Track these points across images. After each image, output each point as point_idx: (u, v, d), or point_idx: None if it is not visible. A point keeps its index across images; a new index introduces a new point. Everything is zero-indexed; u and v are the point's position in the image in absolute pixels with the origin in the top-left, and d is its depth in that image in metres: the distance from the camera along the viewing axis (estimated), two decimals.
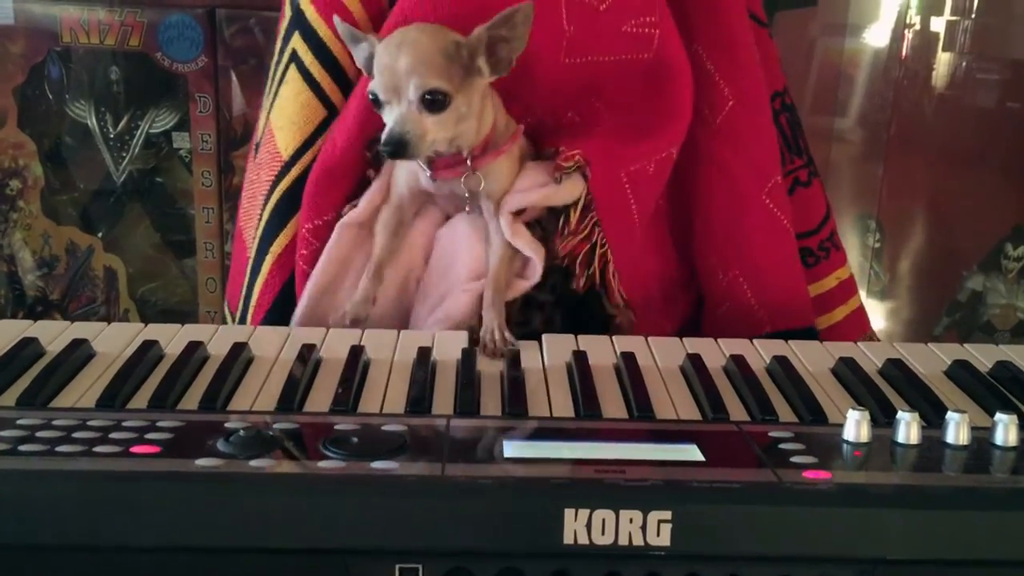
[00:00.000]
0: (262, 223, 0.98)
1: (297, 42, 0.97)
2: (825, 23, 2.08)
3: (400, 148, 0.82)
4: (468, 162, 0.88)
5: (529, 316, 0.96)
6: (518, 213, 0.91)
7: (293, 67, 0.97)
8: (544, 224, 0.94)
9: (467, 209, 0.93)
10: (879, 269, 2.19)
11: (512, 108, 0.93)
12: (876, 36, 2.11)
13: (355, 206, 0.95)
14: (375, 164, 0.96)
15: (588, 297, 0.97)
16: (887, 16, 2.09)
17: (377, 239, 0.93)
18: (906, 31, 2.09)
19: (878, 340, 1.19)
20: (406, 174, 0.93)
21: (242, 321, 1.01)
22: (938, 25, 2.09)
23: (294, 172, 0.97)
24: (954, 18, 2.08)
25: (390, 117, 0.83)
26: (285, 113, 0.97)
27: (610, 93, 0.97)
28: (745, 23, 1.03)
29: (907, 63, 2.12)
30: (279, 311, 0.97)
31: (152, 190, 1.88)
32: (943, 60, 2.11)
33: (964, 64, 2.11)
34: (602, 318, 0.97)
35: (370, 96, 0.85)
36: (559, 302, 0.97)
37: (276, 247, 0.97)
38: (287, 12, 0.99)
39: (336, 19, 0.89)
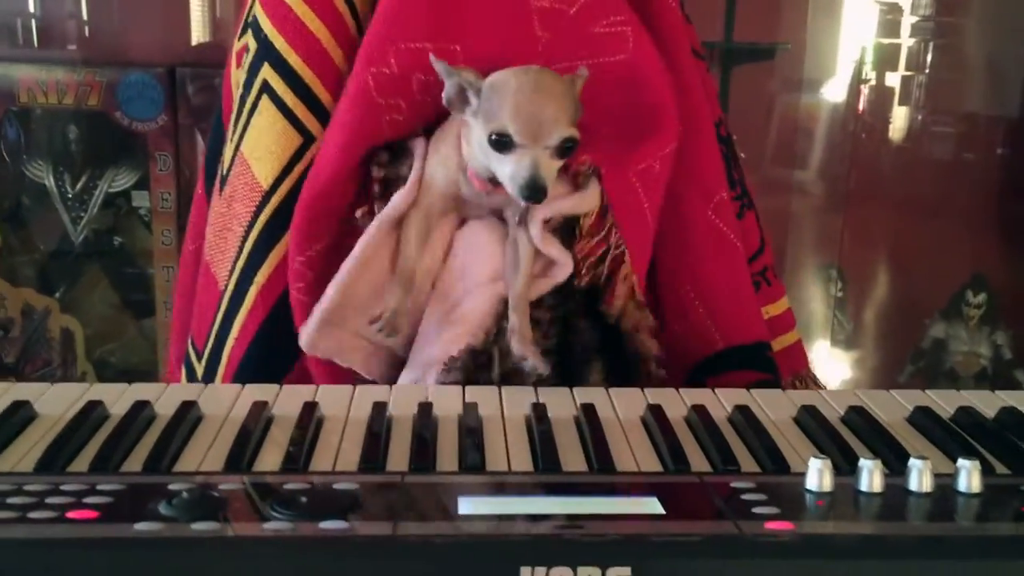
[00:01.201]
0: (244, 254, 0.98)
1: (268, 72, 0.97)
2: (781, 78, 2.12)
3: (540, 194, 0.84)
4: None
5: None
6: (545, 222, 0.93)
7: (266, 97, 0.97)
8: (561, 232, 0.95)
9: (512, 218, 0.93)
10: (842, 318, 2.21)
11: None
12: (832, 91, 2.15)
13: (353, 228, 0.95)
14: (363, 197, 0.96)
15: (587, 313, 0.98)
16: (843, 71, 2.14)
17: (407, 245, 0.93)
18: (862, 86, 2.13)
19: (814, 381, 1.18)
20: (444, 179, 0.93)
21: (212, 356, 1.00)
22: (893, 80, 2.14)
23: (274, 201, 0.97)
24: (908, 73, 2.13)
25: (521, 162, 0.84)
26: (262, 143, 0.97)
27: (597, 104, 0.97)
28: (684, 44, 1.05)
29: (864, 117, 2.16)
30: (264, 341, 0.96)
31: (111, 250, 1.87)
32: (899, 114, 2.16)
33: (920, 117, 2.15)
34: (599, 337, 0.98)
35: (497, 137, 0.85)
36: (554, 320, 0.97)
37: (260, 277, 0.97)
38: (251, 45, 0.99)
39: (432, 57, 0.88)
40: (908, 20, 2.12)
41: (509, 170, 0.85)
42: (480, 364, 0.92)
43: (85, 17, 1.92)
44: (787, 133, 2.14)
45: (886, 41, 2.13)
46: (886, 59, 2.13)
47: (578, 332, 0.97)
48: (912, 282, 2.19)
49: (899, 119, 2.16)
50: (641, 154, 0.96)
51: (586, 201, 0.94)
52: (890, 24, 2.13)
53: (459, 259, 0.95)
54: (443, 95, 0.89)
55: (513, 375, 0.92)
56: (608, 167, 0.94)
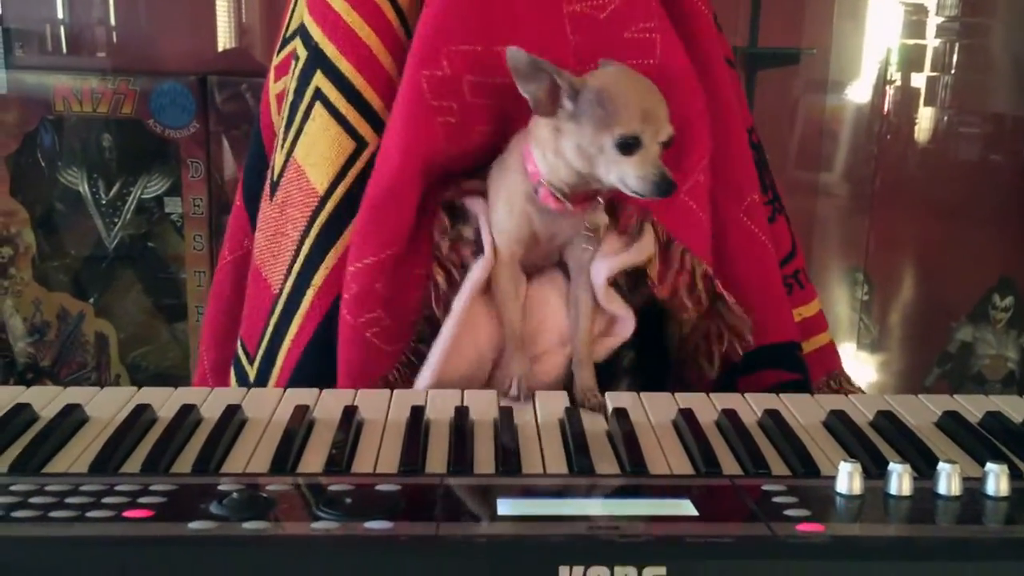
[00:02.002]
0: (301, 257, 1.00)
1: (320, 80, 1.00)
2: (806, 80, 2.12)
3: (671, 187, 0.86)
4: (598, 197, 0.92)
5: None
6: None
7: (319, 104, 1.00)
8: (620, 282, 0.98)
9: (574, 271, 0.96)
10: (868, 321, 2.20)
11: None
12: (858, 92, 2.14)
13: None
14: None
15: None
16: (868, 73, 2.13)
17: (507, 308, 0.95)
18: (887, 87, 2.13)
19: (848, 381, 1.19)
20: (514, 221, 0.94)
21: (266, 357, 1.02)
22: (919, 81, 2.13)
23: (329, 206, 0.99)
24: (934, 74, 2.12)
25: (645, 160, 0.86)
26: (316, 149, 1.00)
27: None
28: (717, 49, 1.07)
29: (889, 118, 2.15)
30: (321, 342, 0.98)
31: (144, 255, 1.89)
32: (925, 115, 2.15)
33: (946, 118, 2.14)
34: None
35: (626, 140, 0.86)
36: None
37: (317, 279, 0.99)
38: (300, 52, 1.02)
39: (512, 49, 0.87)
40: (934, 21, 2.12)
41: (636, 171, 0.86)
42: None
43: (113, 23, 1.95)
44: (812, 136, 2.14)
45: (911, 42, 2.13)
46: (912, 60, 2.13)
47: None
48: (938, 285, 2.18)
49: (925, 120, 2.16)
50: (685, 173, 0.98)
51: (643, 251, 0.96)
52: (915, 25, 2.12)
53: (534, 318, 0.97)
54: (529, 95, 0.87)
55: None
56: (659, 202, 0.94)
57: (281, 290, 1.01)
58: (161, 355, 1.93)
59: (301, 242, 1.00)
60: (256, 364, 1.03)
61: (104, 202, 1.87)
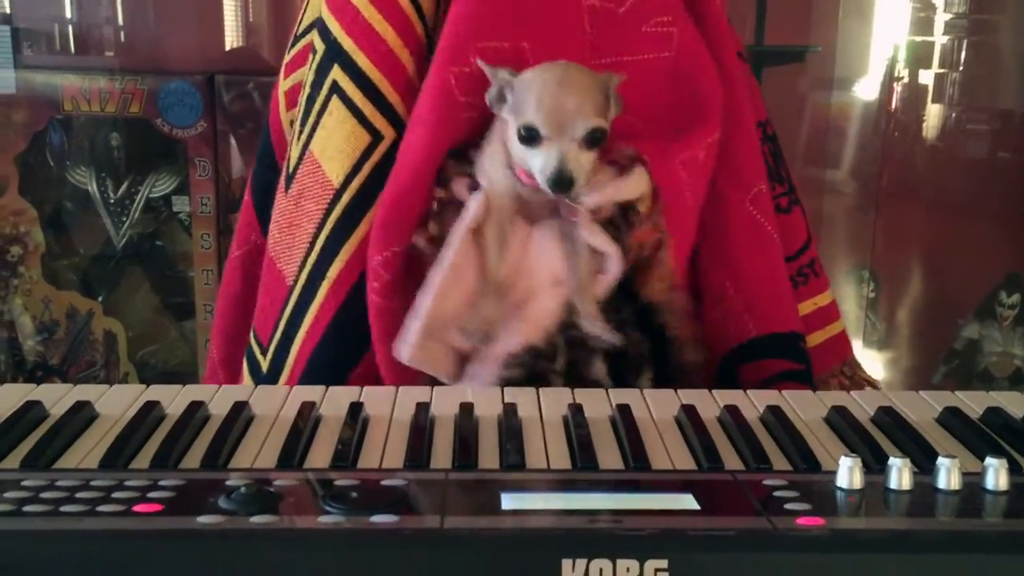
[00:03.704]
0: (316, 249, 1.01)
1: (337, 73, 1.00)
2: (813, 77, 2.12)
3: (567, 184, 0.87)
4: None
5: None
6: (593, 214, 0.94)
7: (336, 98, 1.00)
8: (617, 221, 0.97)
9: (566, 214, 0.95)
10: (875, 319, 2.21)
11: None
12: (864, 90, 2.15)
13: (426, 232, 0.98)
14: (441, 184, 0.99)
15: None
16: (874, 71, 2.13)
17: (491, 253, 0.95)
18: (894, 84, 2.13)
19: (860, 368, 1.20)
20: (500, 180, 0.95)
21: (279, 350, 1.03)
22: (926, 78, 2.13)
23: (345, 198, 1.00)
24: (942, 70, 2.12)
25: (549, 153, 0.88)
26: (332, 142, 1.01)
27: (642, 103, 1.01)
28: (729, 43, 1.08)
29: (896, 115, 2.15)
30: (335, 335, 1.00)
31: (152, 254, 1.91)
32: (932, 112, 2.15)
33: (953, 115, 2.14)
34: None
35: (525, 131, 0.89)
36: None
37: (332, 272, 1.00)
38: (317, 46, 1.03)
39: (479, 60, 0.93)
40: (941, 17, 2.12)
41: (538, 163, 0.88)
42: (544, 356, 0.95)
43: (121, 22, 1.96)
44: (819, 133, 2.14)
45: (919, 39, 2.13)
46: (919, 57, 2.13)
47: (632, 342, 0.98)
48: (945, 282, 2.18)
49: (932, 117, 2.16)
50: (685, 142, 0.99)
51: (632, 186, 0.95)
52: (923, 22, 2.12)
53: (526, 262, 0.97)
54: (486, 95, 0.93)
55: (576, 365, 0.95)
56: (652, 155, 0.96)
57: (295, 282, 1.02)
58: (169, 353, 1.95)
59: (316, 234, 1.01)
60: (270, 356, 1.04)
61: (112, 201, 1.89)
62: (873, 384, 1.20)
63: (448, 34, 0.97)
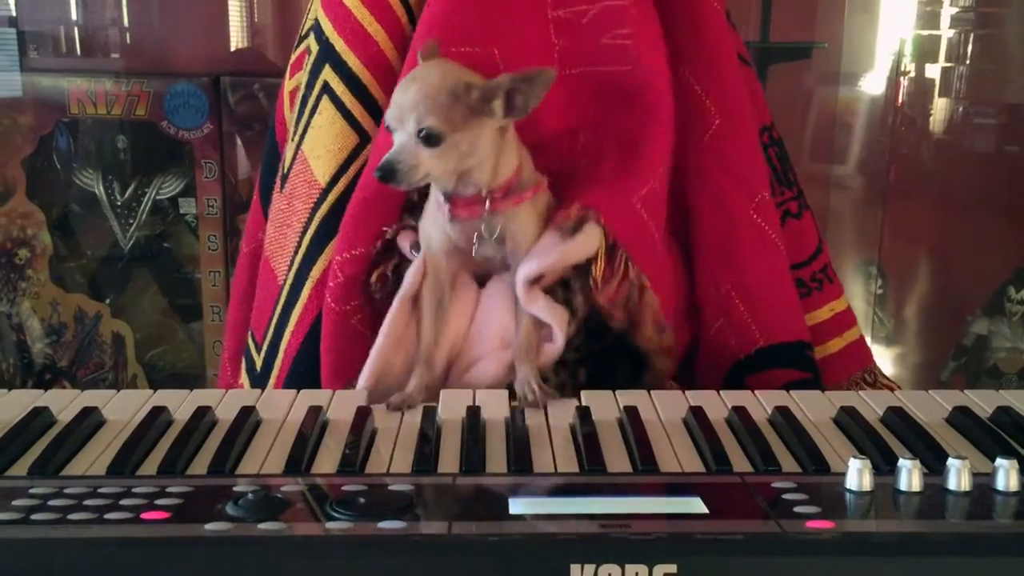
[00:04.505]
0: (302, 249, 1.02)
1: (328, 74, 1.01)
2: (819, 73, 2.11)
3: (389, 174, 0.85)
4: (487, 203, 0.90)
5: (555, 372, 0.95)
6: (537, 280, 0.91)
7: (326, 98, 1.01)
8: (571, 283, 0.94)
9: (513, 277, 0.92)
10: (883, 315, 2.20)
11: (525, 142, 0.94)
12: (871, 84, 2.14)
13: (387, 240, 0.97)
14: (407, 207, 0.98)
15: (615, 348, 0.97)
16: (881, 64, 2.12)
17: (424, 322, 0.94)
18: (901, 78, 2.12)
19: (882, 375, 1.19)
20: (438, 234, 0.93)
21: (271, 347, 1.03)
22: (933, 72, 2.12)
23: (331, 198, 1.01)
24: (949, 64, 2.11)
25: (395, 144, 0.87)
26: (320, 142, 1.01)
27: (603, 119, 1.00)
28: (729, 48, 1.07)
29: (903, 110, 2.14)
30: (317, 335, 0.99)
31: (159, 255, 1.91)
32: (939, 106, 2.14)
33: (960, 109, 2.13)
34: (629, 367, 0.98)
35: (386, 125, 0.88)
36: (583, 360, 0.97)
37: (316, 271, 1.01)
38: (312, 47, 1.04)
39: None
40: (948, 11, 2.11)
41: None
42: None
43: (126, 25, 1.96)
44: (825, 129, 2.13)
45: (925, 33, 2.12)
46: (926, 51, 2.12)
47: (614, 369, 0.97)
48: (953, 278, 2.17)
49: (939, 111, 2.14)
50: (643, 179, 0.97)
51: (576, 250, 0.91)
52: (929, 16, 2.11)
53: (475, 325, 0.95)
54: None
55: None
56: (609, 203, 0.93)
57: (285, 281, 1.03)
58: (177, 355, 1.95)
59: (303, 234, 1.02)
60: (262, 353, 1.05)
61: (119, 203, 1.89)
62: (895, 390, 1.19)
63: (419, 38, 0.97)
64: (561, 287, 0.93)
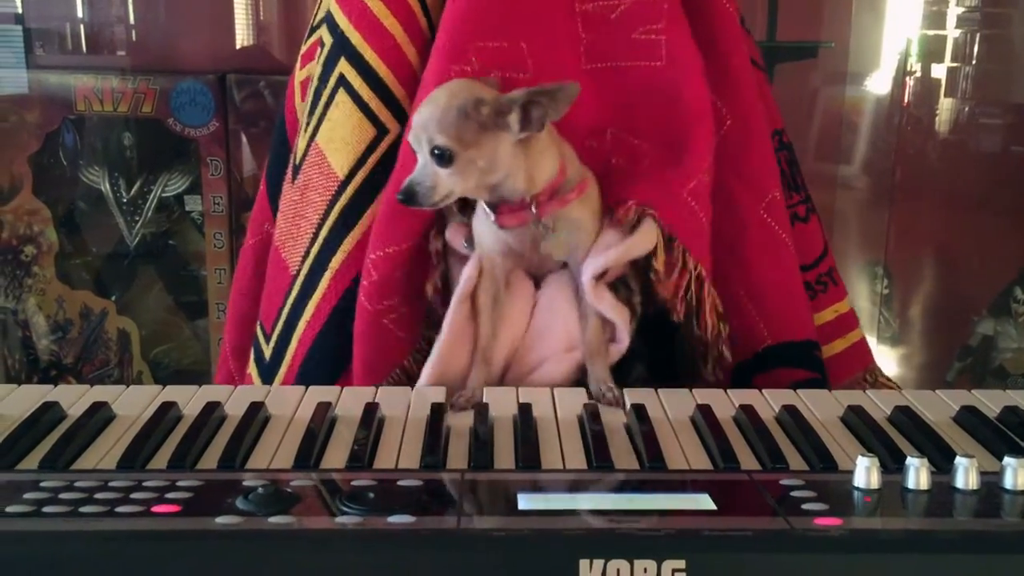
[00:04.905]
0: (319, 240, 1.02)
1: (344, 66, 1.02)
2: (825, 73, 2.11)
3: (410, 197, 0.86)
4: (532, 209, 0.90)
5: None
6: (600, 276, 0.93)
7: (342, 90, 1.02)
8: (629, 281, 0.96)
9: (576, 275, 0.94)
10: (888, 315, 2.19)
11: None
12: (877, 84, 2.13)
13: (435, 235, 0.98)
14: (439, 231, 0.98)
15: (670, 342, 0.99)
16: (887, 64, 2.12)
17: (481, 320, 0.95)
18: (907, 78, 2.12)
19: (882, 374, 1.19)
20: (490, 235, 0.94)
21: (282, 337, 1.04)
22: (939, 72, 2.12)
23: (349, 190, 1.01)
24: (955, 64, 2.11)
25: (418, 165, 0.88)
26: (338, 134, 1.02)
27: (640, 116, 1.00)
28: (742, 51, 1.07)
29: (909, 110, 2.14)
30: (336, 325, 1.00)
31: (165, 253, 1.91)
32: (945, 106, 2.13)
33: (966, 109, 2.13)
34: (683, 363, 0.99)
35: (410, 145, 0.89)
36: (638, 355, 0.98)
37: (335, 263, 1.01)
38: (325, 40, 1.04)
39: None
40: (954, 11, 2.10)
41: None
42: None
43: (132, 22, 1.97)
44: (832, 129, 2.13)
45: (932, 33, 2.12)
46: (932, 51, 2.11)
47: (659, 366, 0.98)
48: (959, 278, 2.17)
49: (945, 111, 2.14)
50: (689, 172, 0.98)
51: (640, 243, 0.93)
52: (936, 16, 2.11)
53: (536, 325, 0.96)
54: None
55: None
56: (661, 199, 0.95)
57: (299, 271, 1.03)
58: (182, 352, 1.95)
59: (320, 225, 1.02)
60: (272, 344, 1.05)
61: (125, 201, 1.89)
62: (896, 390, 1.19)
63: (446, 32, 0.98)
64: (620, 286, 0.95)
